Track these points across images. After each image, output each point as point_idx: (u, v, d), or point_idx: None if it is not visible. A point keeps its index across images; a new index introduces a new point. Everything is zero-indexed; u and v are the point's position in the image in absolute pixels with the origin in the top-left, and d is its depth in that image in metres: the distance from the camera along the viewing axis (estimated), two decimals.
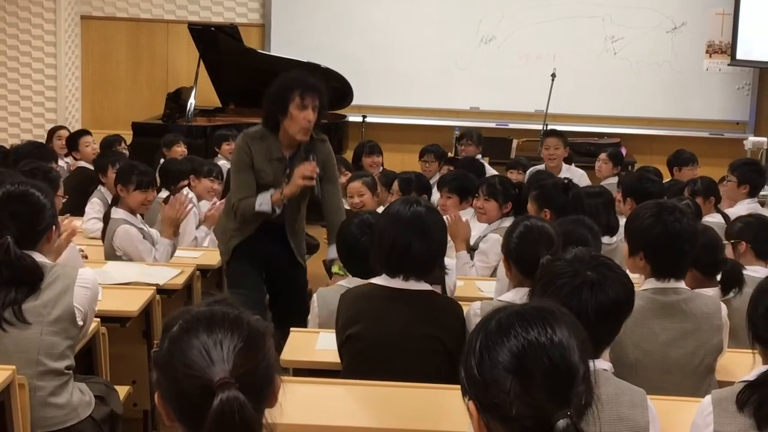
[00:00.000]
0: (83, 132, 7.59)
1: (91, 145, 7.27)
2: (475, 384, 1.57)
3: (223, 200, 5.38)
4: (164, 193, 5.73)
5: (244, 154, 4.48)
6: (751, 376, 2.32)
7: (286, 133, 4.46)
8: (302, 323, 3.74)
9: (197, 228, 5.72)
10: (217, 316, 1.68)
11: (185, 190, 5.85)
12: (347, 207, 5.24)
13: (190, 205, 5.35)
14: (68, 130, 8.66)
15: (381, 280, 3.10)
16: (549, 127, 9.21)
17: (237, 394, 1.58)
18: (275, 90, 4.45)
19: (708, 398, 2.36)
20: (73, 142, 7.37)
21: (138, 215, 5.02)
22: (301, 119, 4.37)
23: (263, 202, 4.46)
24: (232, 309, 1.72)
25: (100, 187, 5.96)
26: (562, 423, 1.48)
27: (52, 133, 8.47)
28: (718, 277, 3.65)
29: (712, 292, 3.47)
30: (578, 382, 1.52)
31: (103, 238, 4.98)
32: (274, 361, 1.71)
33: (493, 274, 4.67)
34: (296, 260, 4.72)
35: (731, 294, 3.54)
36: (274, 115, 4.45)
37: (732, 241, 3.98)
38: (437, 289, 3.29)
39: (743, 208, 5.88)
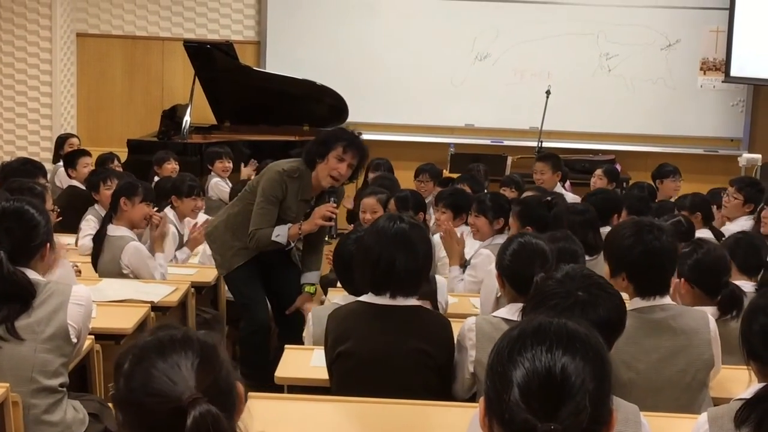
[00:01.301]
0: (83, 152, 7.55)
1: (89, 166, 7.22)
2: (486, 383, 1.62)
3: (204, 222, 5.44)
4: (170, 212, 5.75)
5: (280, 190, 4.70)
6: (747, 393, 2.31)
7: (317, 176, 4.70)
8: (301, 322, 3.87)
9: (180, 249, 5.68)
10: (165, 341, 1.69)
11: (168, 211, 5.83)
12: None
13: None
14: (78, 138, 8.69)
15: (368, 298, 3.11)
16: (543, 144, 9.26)
17: (209, 407, 1.59)
18: (325, 134, 4.75)
19: (704, 416, 2.35)
20: (72, 160, 7.35)
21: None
22: (334, 169, 4.61)
23: (281, 233, 4.72)
24: (177, 330, 1.72)
25: (95, 205, 5.95)
26: None
27: (63, 140, 8.49)
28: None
29: (710, 310, 3.44)
30: (573, 402, 1.53)
31: (96, 254, 4.96)
32: (231, 369, 1.72)
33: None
34: (292, 261, 5.05)
35: (729, 316, 3.51)
36: (313, 156, 4.68)
37: None
38: (427, 304, 3.28)
39: (740, 224, 5.94)
